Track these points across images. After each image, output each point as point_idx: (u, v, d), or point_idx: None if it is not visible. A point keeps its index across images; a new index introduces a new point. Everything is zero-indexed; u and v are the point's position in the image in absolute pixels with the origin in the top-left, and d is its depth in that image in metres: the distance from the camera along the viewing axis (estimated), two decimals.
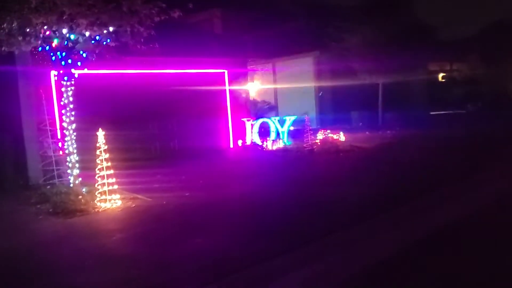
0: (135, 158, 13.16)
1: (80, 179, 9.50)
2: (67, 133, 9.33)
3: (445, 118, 22.10)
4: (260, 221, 7.23)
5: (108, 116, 12.90)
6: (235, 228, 6.90)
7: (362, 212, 7.32)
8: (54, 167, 10.50)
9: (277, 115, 20.39)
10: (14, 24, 7.99)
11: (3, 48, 8.25)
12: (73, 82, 9.27)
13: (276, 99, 20.93)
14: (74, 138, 9.39)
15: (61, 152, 10.41)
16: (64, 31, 8.53)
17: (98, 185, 8.63)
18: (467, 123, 18.78)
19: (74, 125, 9.38)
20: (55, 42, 8.75)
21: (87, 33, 8.82)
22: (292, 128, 15.82)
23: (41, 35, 8.57)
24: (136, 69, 13.30)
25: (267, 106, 17.34)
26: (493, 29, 24.37)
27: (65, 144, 9.42)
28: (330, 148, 14.01)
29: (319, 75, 18.97)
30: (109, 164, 8.79)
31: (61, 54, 8.90)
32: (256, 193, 9.22)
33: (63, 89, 9.18)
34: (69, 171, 9.48)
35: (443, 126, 17.67)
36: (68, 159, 9.43)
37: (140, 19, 8.78)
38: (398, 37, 15.79)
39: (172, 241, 6.43)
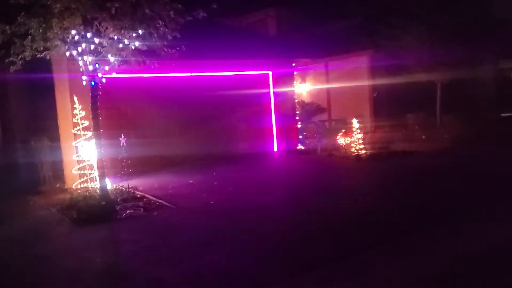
0: (172, 163, 13.08)
1: (109, 184, 9.44)
2: (93, 138, 9.27)
3: None
4: (269, 240, 6.65)
5: (148, 120, 12.93)
6: (245, 249, 6.35)
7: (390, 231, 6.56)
8: (87, 171, 10.52)
9: (329, 117, 19.64)
10: (38, 29, 7.99)
11: (26, 54, 8.26)
12: (100, 86, 9.17)
13: (328, 101, 20.10)
14: (103, 142, 9.31)
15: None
16: (89, 35, 8.43)
17: (119, 192, 8.47)
18: None
19: (101, 130, 9.29)
20: (82, 47, 8.69)
21: (115, 37, 8.70)
22: (341, 131, 15.02)
23: (68, 40, 8.55)
24: (176, 73, 13.08)
25: (315, 107, 16.57)
26: None
27: (92, 149, 9.36)
28: (379, 154, 13.07)
29: (373, 74, 17.92)
30: (131, 170, 8.59)
31: (87, 58, 8.82)
32: (279, 205, 8.65)
33: (90, 94, 9.09)
34: (97, 176, 9.42)
35: None
36: (95, 164, 9.37)
37: (164, 21, 8.53)
38: (461, 31, 14.45)
39: (171, 262, 6.03)
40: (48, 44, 8.20)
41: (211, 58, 13.55)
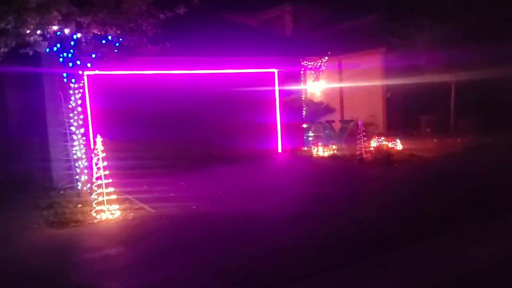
0: (169, 163, 12.68)
1: (89, 185, 9.11)
2: (75, 137, 8.96)
3: None
4: (235, 262, 6.16)
5: (145, 119, 12.58)
6: (203, 268, 5.89)
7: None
8: (73, 172, 10.22)
9: (342, 117, 18.96)
10: (10, 24, 7.71)
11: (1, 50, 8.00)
12: (81, 84, 8.89)
13: (341, 100, 19.43)
14: (83, 142, 9.01)
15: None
16: (66, 31, 8.12)
17: (95, 195, 8.12)
18: None
19: (82, 130, 8.99)
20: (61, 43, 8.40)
21: (95, 33, 8.38)
22: (346, 131, 14.43)
23: (48, 35, 8.26)
24: (173, 70, 12.68)
25: (324, 107, 15.92)
26: None
27: (73, 149, 9.05)
28: (384, 158, 12.39)
29: (387, 74, 17.16)
30: (107, 171, 8.23)
31: (67, 54, 8.52)
32: (267, 211, 8.12)
33: (70, 91, 8.79)
34: (77, 177, 9.12)
35: None
36: (77, 164, 9.07)
37: (143, 18, 8.16)
38: (478, 29, 13.59)
39: (120, 274, 5.62)
40: (19, 40, 7.90)
41: (211, 55, 13.07)
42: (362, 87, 17.85)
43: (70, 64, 8.57)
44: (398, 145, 13.25)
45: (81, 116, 8.99)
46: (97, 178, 8.12)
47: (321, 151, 13.97)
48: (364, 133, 12.86)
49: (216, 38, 13.34)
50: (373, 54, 17.34)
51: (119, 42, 8.70)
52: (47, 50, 8.53)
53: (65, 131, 10.26)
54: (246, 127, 14.21)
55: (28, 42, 8.33)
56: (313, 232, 6.71)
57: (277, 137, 14.85)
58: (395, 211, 7.55)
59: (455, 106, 14.84)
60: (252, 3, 24.02)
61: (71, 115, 8.92)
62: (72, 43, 8.42)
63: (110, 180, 8.22)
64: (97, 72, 11.23)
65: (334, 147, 14.05)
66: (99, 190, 8.09)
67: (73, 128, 8.93)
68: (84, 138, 9.09)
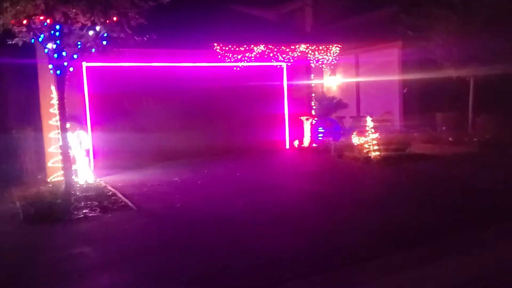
0: (170, 157, 12.49)
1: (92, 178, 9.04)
2: (58, 130, 8.79)
3: None
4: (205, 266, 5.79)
5: (146, 113, 12.39)
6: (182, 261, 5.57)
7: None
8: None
9: (358, 113, 18.29)
10: None
11: None
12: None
13: (357, 95, 18.73)
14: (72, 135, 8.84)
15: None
16: (48, 21, 7.89)
17: (77, 190, 7.91)
18: None
19: (69, 123, 8.82)
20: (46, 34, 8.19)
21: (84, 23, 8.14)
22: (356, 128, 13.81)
23: (33, 25, 8.07)
24: (175, 63, 12.36)
25: (336, 102, 15.30)
26: None
27: (61, 142, 8.88)
28: (392, 157, 11.78)
29: (404, 68, 16.38)
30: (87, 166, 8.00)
31: (52, 45, 8.31)
32: (255, 217, 7.71)
33: (58, 83, 8.59)
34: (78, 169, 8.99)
35: None
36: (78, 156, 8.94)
37: (125, 7, 7.87)
38: (499, 21, 12.70)
39: (82, 274, 5.35)
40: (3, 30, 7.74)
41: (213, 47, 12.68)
42: (378, 82, 17.13)
43: (56, 55, 8.34)
44: (409, 144, 12.56)
45: (64, 108, 8.72)
46: (81, 173, 7.90)
47: (329, 148, 13.41)
48: (375, 130, 12.29)
49: (222, 30, 12.96)
50: (390, 48, 16.57)
51: (106, 33, 8.42)
52: (32, 40, 8.35)
53: (57, 123, 10.18)
54: (252, 122, 13.86)
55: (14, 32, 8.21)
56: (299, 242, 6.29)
57: (285, 133, 14.38)
58: (370, 219, 7.02)
59: (473, 103, 13.99)
60: None
61: (54, 108, 8.69)
62: (58, 34, 8.19)
63: (90, 175, 7.97)
64: (96, 64, 11.04)
65: (342, 144, 13.45)
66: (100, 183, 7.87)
67: (54, 121, 8.71)
68: (71, 131, 8.86)
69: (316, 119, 14.30)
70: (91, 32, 8.35)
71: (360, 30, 17.86)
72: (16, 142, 10.43)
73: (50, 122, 10.06)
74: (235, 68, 12.97)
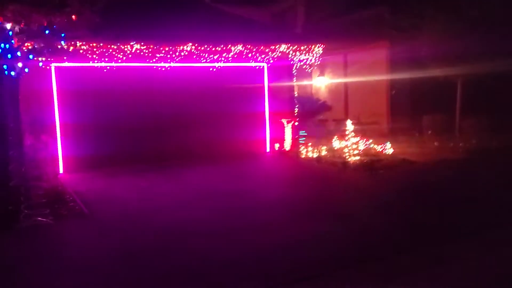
0: (143, 162, 12.10)
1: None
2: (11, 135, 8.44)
3: None
4: None
5: (113, 114, 11.98)
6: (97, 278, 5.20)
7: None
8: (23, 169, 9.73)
9: (346, 115, 17.88)
10: None
11: None
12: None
13: (346, 97, 18.32)
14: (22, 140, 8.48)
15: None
16: None
17: (23, 198, 7.55)
18: None
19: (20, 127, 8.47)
20: None
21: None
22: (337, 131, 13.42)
23: None
24: (153, 63, 11.91)
25: (320, 105, 14.89)
26: None
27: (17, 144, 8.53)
28: (372, 163, 11.37)
29: (391, 69, 15.95)
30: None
31: (5, 45, 7.95)
32: (199, 223, 7.34)
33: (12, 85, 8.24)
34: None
35: None
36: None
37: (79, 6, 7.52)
38: (488, 19, 12.24)
39: None
40: None
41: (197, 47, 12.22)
42: (366, 83, 16.74)
43: (9, 55, 7.99)
44: (388, 149, 12.14)
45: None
46: (33, 178, 7.55)
47: (310, 152, 12.99)
48: (361, 133, 11.95)
49: (199, 29, 12.54)
50: (377, 48, 16.18)
51: (63, 32, 8.08)
52: None
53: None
54: (231, 125, 13.41)
55: None
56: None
57: (265, 136, 13.98)
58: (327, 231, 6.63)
59: (460, 105, 13.52)
60: None
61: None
62: (10, 33, 7.84)
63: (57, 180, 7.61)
64: (66, 64, 10.71)
65: (324, 148, 13.04)
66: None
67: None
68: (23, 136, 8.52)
69: (297, 122, 13.85)
70: (46, 32, 8.01)
71: (347, 30, 17.46)
72: None
73: (12, 124, 9.68)
74: (211, 69, 12.57)
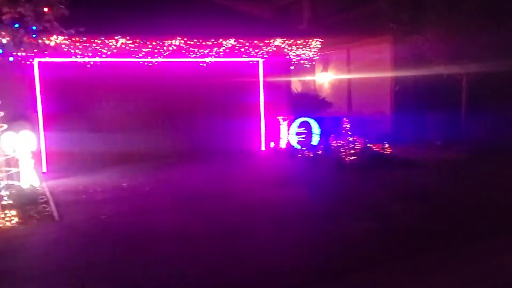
0: (129, 160, 11.73)
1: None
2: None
3: None
4: None
5: (100, 111, 11.63)
6: None
7: None
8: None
9: (349, 112, 17.27)
10: None
11: None
12: None
13: (349, 93, 17.69)
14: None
15: None
16: None
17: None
18: None
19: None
20: None
21: None
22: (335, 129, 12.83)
23: None
24: (141, 57, 11.48)
25: (318, 101, 14.30)
26: None
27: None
28: (369, 162, 10.81)
29: (395, 65, 15.27)
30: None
31: None
32: (176, 228, 6.88)
33: None
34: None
35: None
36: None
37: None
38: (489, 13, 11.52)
39: None
40: None
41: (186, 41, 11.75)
42: (370, 79, 16.12)
43: None
44: (387, 148, 11.54)
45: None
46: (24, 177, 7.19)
47: (306, 150, 12.44)
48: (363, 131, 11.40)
49: (190, 22, 12.06)
50: (380, 43, 15.53)
51: (35, 26, 7.67)
52: None
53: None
54: (224, 122, 12.95)
55: None
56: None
57: (260, 134, 13.47)
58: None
59: (466, 103, 12.81)
60: None
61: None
62: None
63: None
64: (49, 60, 10.35)
65: (321, 146, 12.49)
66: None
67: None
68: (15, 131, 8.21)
69: (294, 119, 13.29)
70: (16, 25, 7.61)
71: (351, 24, 16.83)
72: None
73: None
74: (201, 64, 12.09)
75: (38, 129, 10.86)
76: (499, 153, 11.18)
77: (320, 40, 12.92)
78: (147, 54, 11.19)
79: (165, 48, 11.18)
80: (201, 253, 5.64)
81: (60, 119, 11.04)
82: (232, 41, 11.95)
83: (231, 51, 12.18)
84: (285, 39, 12.65)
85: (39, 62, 10.76)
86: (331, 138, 12.46)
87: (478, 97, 12.67)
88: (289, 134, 13.18)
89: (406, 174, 10.10)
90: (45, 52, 9.48)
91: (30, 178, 9.68)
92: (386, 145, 11.45)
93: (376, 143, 11.79)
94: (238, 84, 12.99)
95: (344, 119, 11.76)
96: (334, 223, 6.70)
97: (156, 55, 11.27)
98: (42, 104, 10.90)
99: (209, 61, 12.10)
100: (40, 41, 7.76)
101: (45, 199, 8.53)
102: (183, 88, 12.30)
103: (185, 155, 12.31)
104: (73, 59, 10.67)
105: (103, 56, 10.78)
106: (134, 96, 11.78)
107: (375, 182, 9.52)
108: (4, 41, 7.75)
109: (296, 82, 17.42)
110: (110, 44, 10.63)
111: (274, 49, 12.65)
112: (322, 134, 13.10)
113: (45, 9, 7.63)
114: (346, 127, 11.73)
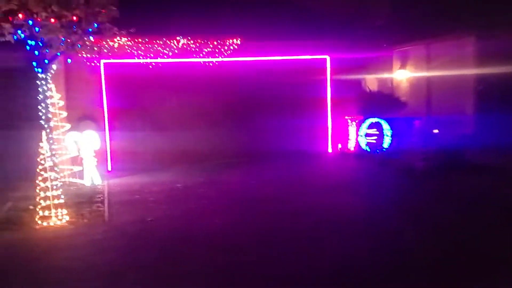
0: (192, 160, 11.70)
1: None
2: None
3: None
4: None
5: (163, 111, 11.71)
6: None
7: None
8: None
9: (428, 113, 16.04)
10: None
11: None
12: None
13: (428, 93, 16.40)
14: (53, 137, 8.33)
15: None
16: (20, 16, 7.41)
17: (39, 199, 7.30)
18: None
19: (51, 123, 8.30)
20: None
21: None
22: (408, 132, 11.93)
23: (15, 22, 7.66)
24: (204, 57, 11.40)
25: (389, 100, 13.32)
26: None
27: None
28: (444, 168, 9.86)
29: (480, 63, 13.86)
30: (54, 174, 7.37)
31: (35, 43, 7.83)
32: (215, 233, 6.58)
33: (38, 82, 8.09)
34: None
35: None
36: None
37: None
38: None
39: None
40: None
41: (247, 39, 11.49)
42: (450, 77, 14.81)
43: (37, 52, 7.86)
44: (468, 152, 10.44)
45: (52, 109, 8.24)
46: (43, 181, 7.30)
47: (376, 153, 11.67)
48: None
49: (251, 20, 11.73)
50: (462, 38, 14.18)
51: (90, 28, 7.80)
52: (15, 37, 7.92)
53: (57, 123, 9.80)
54: (290, 122, 12.50)
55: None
56: None
57: (327, 135, 12.86)
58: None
59: None
60: None
61: (40, 107, 8.21)
62: (37, 29, 7.67)
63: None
64: (112, 61, 10.58)
65: (392, 149, 11.65)
66: (43, 194, 7.26)
67: (42, 122, 8.21)
68: (54, 132, 8.38)
69: (364, 119, 12.51)
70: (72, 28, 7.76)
71: (432, 20, 15.60)
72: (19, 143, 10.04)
73: (34, 123, 9.58)
74: (265, 63, 11.75)
75: (104, 128, 11.12)
76: None
77: (391, 37, 12.04)
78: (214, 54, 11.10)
79: (225, 47, 10.97)
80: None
81: (124, 119, 11.25)
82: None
83: (297, 49, 11.74)
84: (352, 36, 11.95)
85: (105, 64, 11.01)
86: (403, 140, 11.59)
87: None
88: (358, 136, 12.45)
89: (480, 181, 9.04)
90: (109, 54, 9.71)
91: (93, 177, 9.95)
92: (466, 149, 10.37)
93: (455, 147, 10.76)
94: (304, 83, 12.46)
95: (419, 120, 10.82)
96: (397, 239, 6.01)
97: (216, 55, 11.11)
98: (107, 104, 11.15)
99: (275, 60, 11.74)
100: (98, 44, 7.84)
101: (101, 198, 8.66)
102: (245, 87, 12.03)
103: (247, 156, 12.06)
104: (137, 60, 10.80)
105: (165, 56, 10.80)
106: (196, 96, 11.71)
107: (449, 191, 8.58)
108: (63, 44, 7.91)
109: (373, 80, 16.53)
110: (172, 44, 10.63)
111: (343, 46, 12.00)
112: (394, 136, 12.23)
113: (100, 10, 7.70)
114: (422, 128, 10.80)
